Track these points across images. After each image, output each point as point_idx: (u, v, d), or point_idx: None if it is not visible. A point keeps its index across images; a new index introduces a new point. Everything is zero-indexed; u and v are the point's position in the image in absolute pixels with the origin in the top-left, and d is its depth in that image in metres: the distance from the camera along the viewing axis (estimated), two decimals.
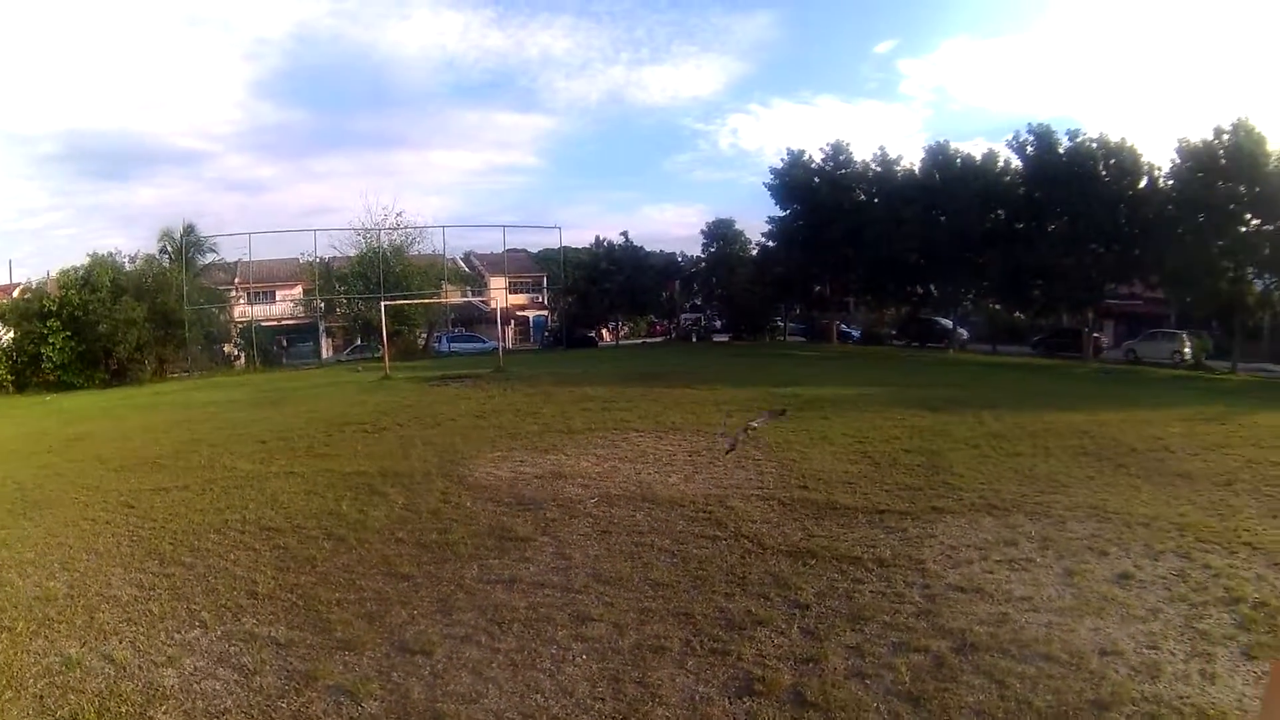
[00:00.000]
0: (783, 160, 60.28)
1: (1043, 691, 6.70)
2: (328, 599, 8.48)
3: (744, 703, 6.55)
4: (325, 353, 63.59)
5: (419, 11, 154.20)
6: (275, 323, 63.00)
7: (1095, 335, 52.07)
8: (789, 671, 7.02)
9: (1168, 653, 7.52)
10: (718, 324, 74.44)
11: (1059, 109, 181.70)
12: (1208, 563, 10.12)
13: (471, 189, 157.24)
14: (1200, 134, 43.84)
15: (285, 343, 61.88)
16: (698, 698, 6.54)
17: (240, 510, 12.30)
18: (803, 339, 67.69)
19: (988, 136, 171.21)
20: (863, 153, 59.78)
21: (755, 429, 16.59)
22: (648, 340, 73.20)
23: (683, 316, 77.82)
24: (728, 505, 12.48)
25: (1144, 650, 7.54)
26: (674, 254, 74.63)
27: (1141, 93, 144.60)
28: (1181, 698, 6.68)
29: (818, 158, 59.26)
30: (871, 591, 8.94)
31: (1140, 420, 21.64)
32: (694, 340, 70.02)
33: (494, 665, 7.01)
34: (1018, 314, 58.47)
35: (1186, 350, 47.78)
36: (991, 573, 9.60)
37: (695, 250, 71.91)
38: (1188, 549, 10.63)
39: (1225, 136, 42.45)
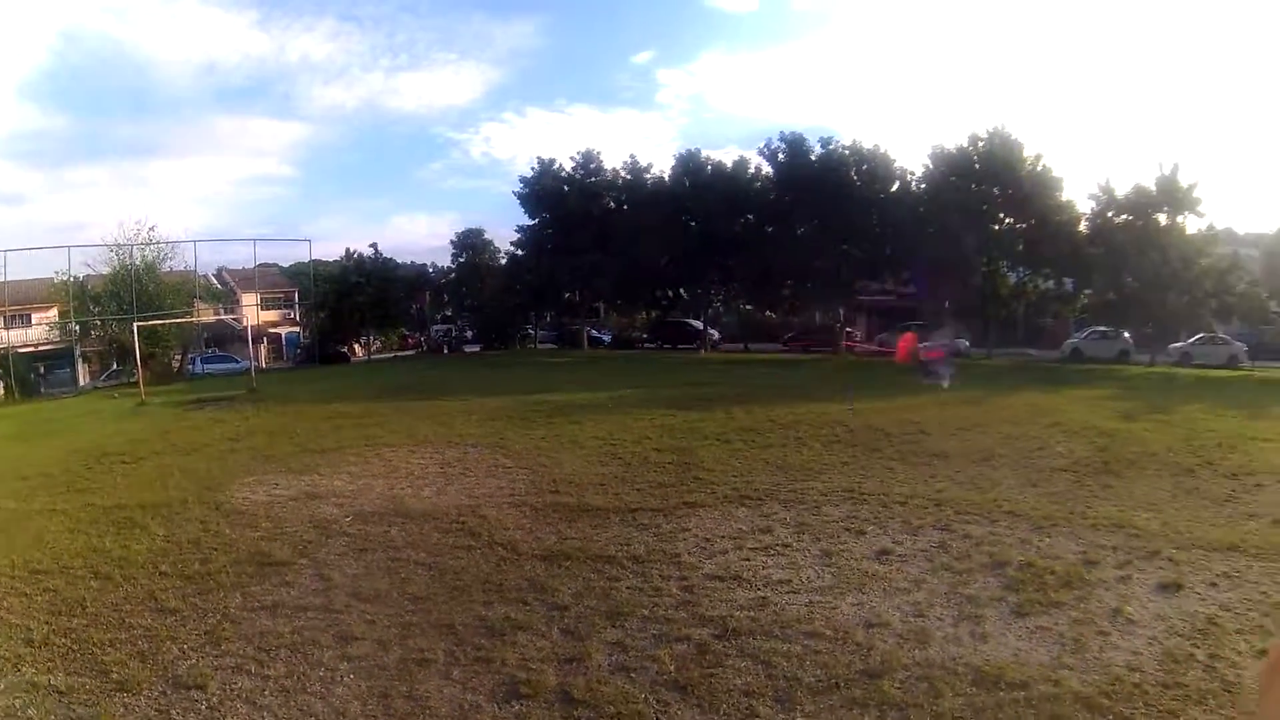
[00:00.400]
0: (533, 169, 61.70)
1: (810, 667, 6.95)
2: (101, 640, 8.24)
3: (512, 706, 6.59)
4: (83, 379, 58.77)
5: (185, 9, 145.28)
6: (32, 349, 58.06)
7: (848, 330, 54.82)
8: (554, 672, 7.10)
9: (935, 619, 7.97)
10: (469, 335, 74.28)
11: (816, 118, 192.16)
12: (969, 533, 10.90)
13: (225, 201, 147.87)
14: (955, 141, 48.74)
15: (42, 370, 57.19)
16: (466, 706, 6.67)
17: (8, 554, 11.62)
18: (554, 346, 68.37)
19: (744, 144, 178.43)
20: (616, 161, 62.42)
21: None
22: (399, 354, 72.31)
23: (434, 328, 77.33)
24: (480, 514, 12.56)
25: (910, 619, 7.97)
26: (425, 265, 74.25)
27: (897, 104, 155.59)
28: (954, 659, 7.06)
29: (568, 166, 61.10)
30: (629, 588, 9.13)
31: (895, 407, 23.00)
32: (445, 352, 69.58)
33: (267, 693, 6.99)
34: (769, 313, 60.70)
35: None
36: (748, 560, 9.98)
37: (446, 261, 71.51)
38: (948, 522, 11.42)
39: (981, 144, 47.19)
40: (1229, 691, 6.75)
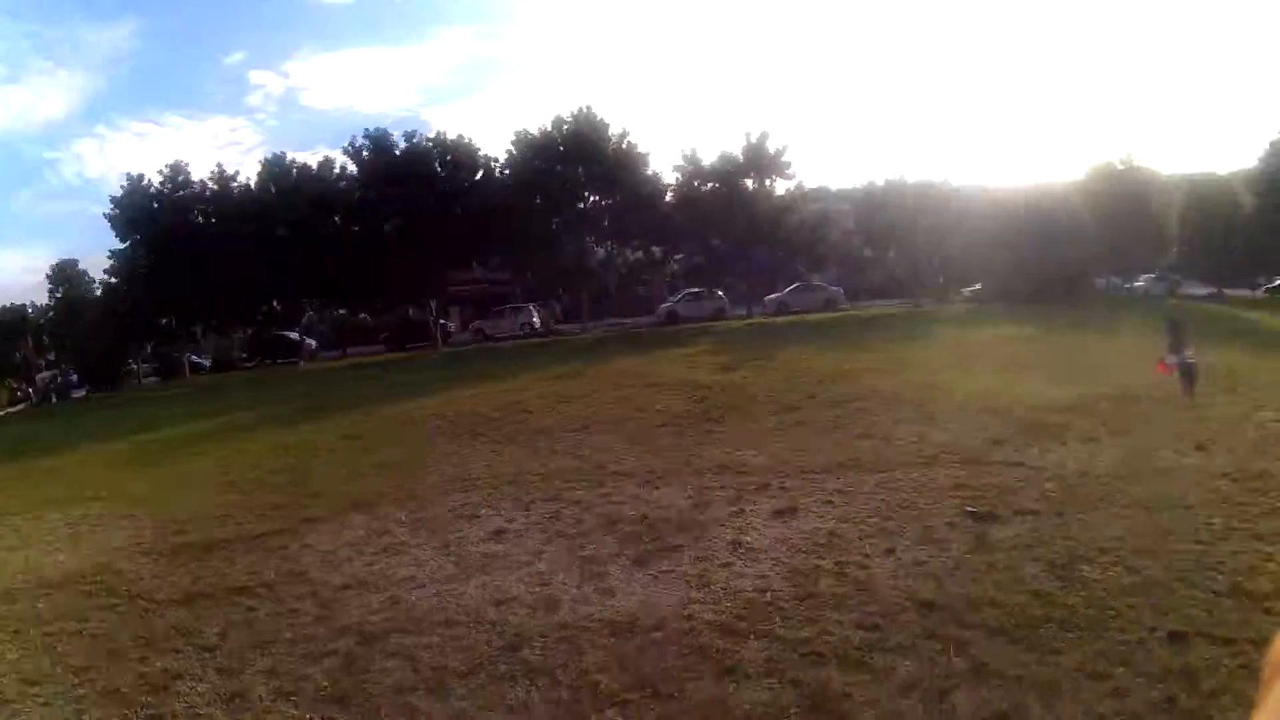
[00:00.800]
0: (123, 187, 57.67)
1: (453, 654, 7.17)
2: None
3: None
4: None
5: None
6: None
7: (442, 322, 55.49)
8: (222, 713, 6.97)
9: (560, 585, 8.41)
10: (74, 378, 68.69)
11: (409, 110, 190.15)
12: (579, 499, 11.59)
13: None
14: (540, 125, 50.92)
15: None
16: None
17: None
18: (158, 379, 64.64)
19: (334, 143, 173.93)
20: (206, 172, 59.78)
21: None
22: (10, 409, 65.75)
23: (39, 376, 70.67)
24: (115, 570, 11.90)
25: (537, 589, 8.35)
26: (23, 306, 67.70)
27: (487, 92, 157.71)
28: (587, 617, 7.47)
29: (158, 181, 57.39)
30: (267, 614, 9.06)
31: (496, 391, 23.72)
32: (54, 400, 63.90)
33: None
34: (363, 315, 60.28)
35: (535, 320, 53.44)
36: (372, 564, 10.08)
37: (45, 298, 65.49)
38: (557, 492, 12.07)
39: (566, 126, 49.62)
40: (864, 591, 7.51)
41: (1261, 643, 4.91)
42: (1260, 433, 13.92)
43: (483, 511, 11.48)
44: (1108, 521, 9.36)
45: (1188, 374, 15.82)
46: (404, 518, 11.85)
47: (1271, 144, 58.28)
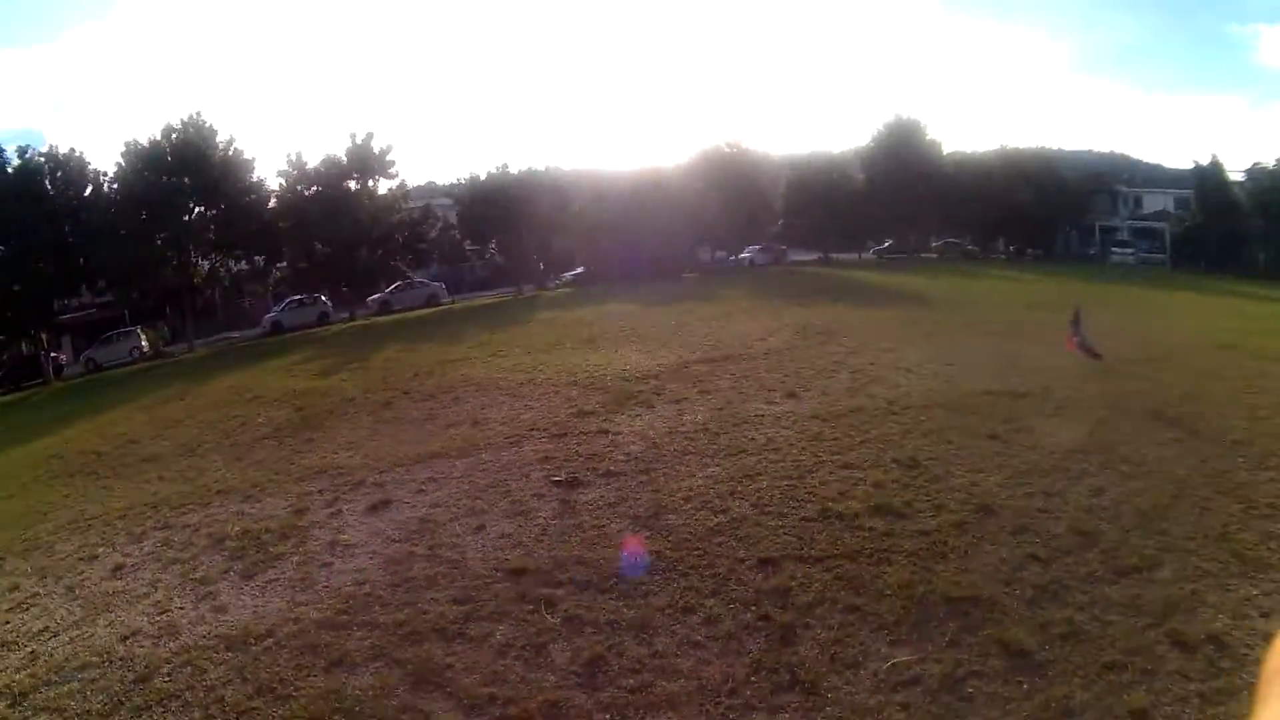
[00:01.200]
0: None
1: (93, 696, 7.14)
2: None
3: None
4: None
5: None
6: None
7: (54, 355, 50.73)
8: None
9: (178, 610, 8.56)
10: None
11: (25, 126, 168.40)
12: (187, 522, 11.58)
13: None
14: (150, 134, 46.70)
15: None
16: None
17: None
18: None
19: None
20: None
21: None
22: None
23: None
24: None
25: (158, 618, 8.44)
26: None
27: (99, 101, 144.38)
28: (205, 636, 7.75)
29: None
30: None
31: (105, 423, 22.15)
32: None
33: None
34: None
35: (144, 343, 49.82)
36: (7, 622, 9.62)
37: None
38: (166, 519, 11.93)
39: (175, 134, 45.97)
40: (456, 569, 8.31)
41: (855, 556, 6.30)
42: (855, 376, 15.77)
43: (101, 550, 11.19)
44: (694, 472, 10.60)
45: (1086, 346, 18.76)
46: (30, 569, 11.28)
47: (886, 124, 65.31)
